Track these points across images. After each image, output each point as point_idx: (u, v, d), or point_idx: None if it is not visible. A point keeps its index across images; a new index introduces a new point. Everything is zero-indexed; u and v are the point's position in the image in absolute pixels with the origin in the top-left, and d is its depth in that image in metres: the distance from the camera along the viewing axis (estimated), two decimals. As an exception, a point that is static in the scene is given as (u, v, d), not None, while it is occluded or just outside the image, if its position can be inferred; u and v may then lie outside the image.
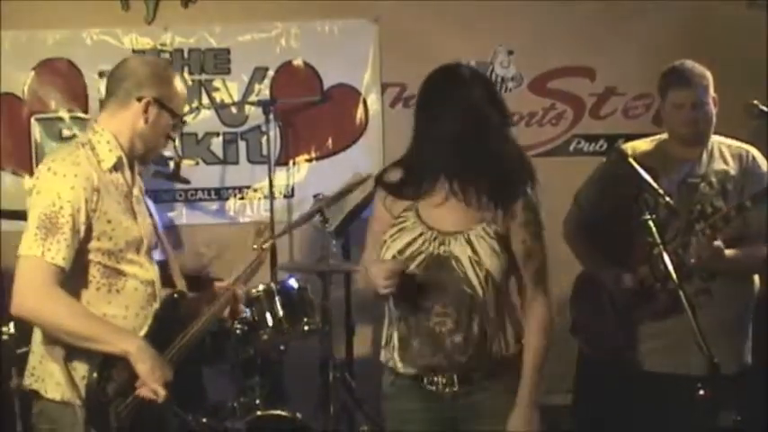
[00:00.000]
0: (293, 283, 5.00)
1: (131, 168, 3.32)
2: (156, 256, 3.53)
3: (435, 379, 3.15)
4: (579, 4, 6.16)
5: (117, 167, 3.23)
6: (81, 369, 3.09)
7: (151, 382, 3.05)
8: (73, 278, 3.09)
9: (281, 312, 4.78)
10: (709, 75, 4.07)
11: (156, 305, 3.29)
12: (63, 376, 3.08)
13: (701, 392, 3.11)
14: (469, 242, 3.08)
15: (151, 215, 3.46)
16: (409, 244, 3.11)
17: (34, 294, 3.02)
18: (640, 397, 4.02)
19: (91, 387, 3.04)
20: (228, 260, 5.79)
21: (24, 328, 4.54)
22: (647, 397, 4.00)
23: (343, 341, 5.75)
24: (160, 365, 3.09)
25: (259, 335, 4.79)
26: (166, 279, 3.46)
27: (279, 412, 4.82)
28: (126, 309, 3.19)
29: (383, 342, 3.26)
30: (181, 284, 3.44)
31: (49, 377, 3.13)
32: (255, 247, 3.91)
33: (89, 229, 3.09)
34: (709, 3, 6.14)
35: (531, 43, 6.20)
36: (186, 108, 3.38)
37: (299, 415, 4.85)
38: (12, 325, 4.54)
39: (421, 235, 3.11)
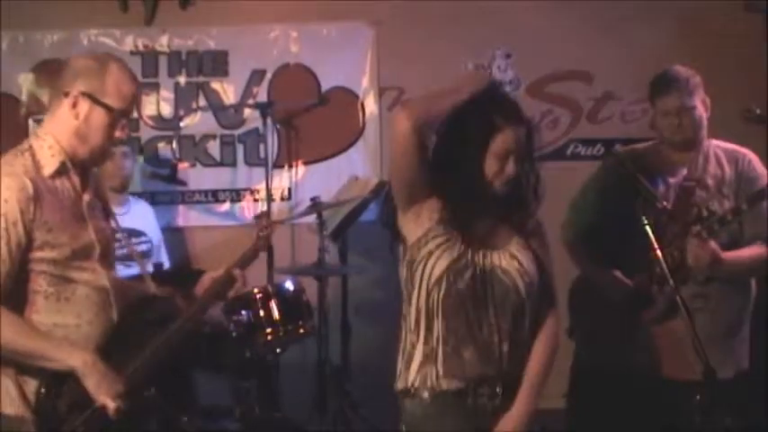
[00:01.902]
0: (290, 285, 5.00)
1: (82, 172, 3.16)
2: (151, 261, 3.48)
3: (481, 390, 3.12)
4: (577, 7, 6.17)
5: (61, 172, 3.08)
6: (32, 383, 3.00)
7: (99, 396, 2.97)
8: (20, 290, 2.99)
9: (277, 315, 4.77)
10: (696, 78, 4.06)
11: (113, 313, 3.15)
12: (16, 391, 2.99)
13: (698, 398, 3.11)
14: (513, 255, 3.13)
15: (108, 219, 3.30)
16: (456, 259, 3.08)
17: None
18: (635, 402, 4.02)
19: (41, 403, 2.97)
20: (224, 262, 5.80)
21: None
22: (643, 402, 4.00)
23: (339, 344, 5.75)
24: (108, 379, 2.99)
25: (255, 337, 4.78)
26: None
27: (275, 415, 4.82)
28: (78, 317, 3.07)
29: (416, 363, 3.12)
30: (152, 287, 3.34)
31: (4, 392, 3.01)
32: (253, 235, 3.79)
33: (31, 239, 2.96)
34: (706, 6, 6.15)
35: (529, 47, 6.17)
36: (127, 104, 3.12)
37: (295, 418, 4.85)
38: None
39: (467, 249, 3.10)
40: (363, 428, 5.45)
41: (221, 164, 6.26)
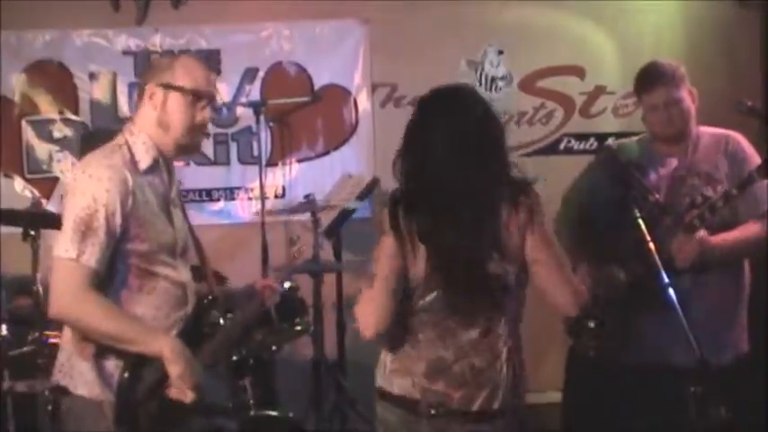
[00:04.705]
0: (285, 283, 5.00)
1: (169, 170, 3.33)
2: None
3: None
4: (569, 3, 6.18)
5: (153, 169, 3.24)
6: (109, 367, 3.11)
7: (182, 384, 3.09)
8: (107, 279, 3.12)
9: (272, 313, 4.78)
10: (680, 70, 4.07)
11: (188, 308, 3.30)
12: (92, 374, 3.11)
13: (693, 389, 3.13)
14: None
15: (187, 219, 3.47)
16: None
17: (69, 297, 3.06)
18: (631, 394, 4.03)
19: (122, 387, 3.07)
20: (219, 261, 5.80)
21: (18, 330, 4.57)
22: (638, 393, 4.01)
23: (334, 341, 5.75)
24: (192, 368, 3.12)
25: (251, 335, 4.78)
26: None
27: (271, 412, 4.82)
28: (157, 309, 3.20)
29: None
30: (214, 287, 3.48)
31: (78, 374, 3.14)
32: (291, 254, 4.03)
33: (124, 231, 3.10)
34: (698, 2, 6.17)
35: (520, 42, 6.22)
36: (199, 84, 3.26)
37: (291, 415, 4.85)
38: (4, 327, 4.54)
39: None
40: (360, 425, 5.46)
41: (215, 163, 6.26)
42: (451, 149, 3.04)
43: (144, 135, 3.24)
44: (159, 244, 3.20)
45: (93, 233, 3.04)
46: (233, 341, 3.51)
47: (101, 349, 3.10)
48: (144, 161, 3.21)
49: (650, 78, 4.07)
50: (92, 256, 3.04)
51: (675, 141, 4.08)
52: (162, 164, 3.28)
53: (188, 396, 3.10)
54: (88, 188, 3.08)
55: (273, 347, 5.00)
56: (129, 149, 3.21)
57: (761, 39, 6.06)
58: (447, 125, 3.06)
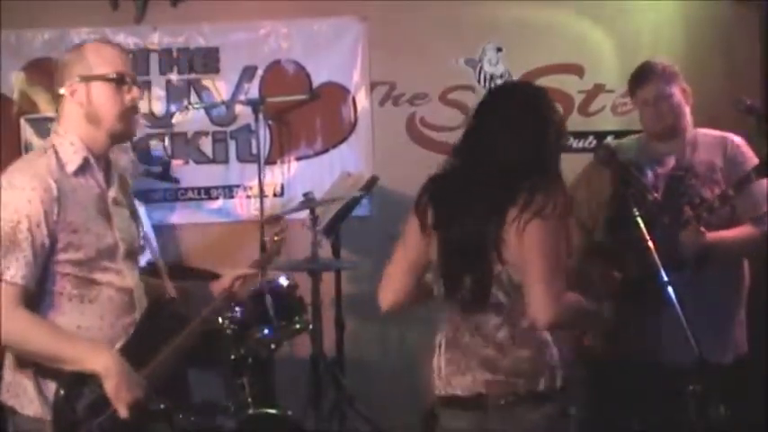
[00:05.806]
0: (283, 281, 5.01)
1: (106, 168, 3.16)
2: (144, 258, 3.47)
3: None
4: (568, 1, 6.17)
5: (84, 169, 3.07)
6: (52, 384, 2.97)
7: (116, 401, 2.94)
8: (43, 291, 2.97)
9: (271, 311, 4.78)
10: (673, 67, 4.10)
11: (136, 314, 3.13)
12: (35, 393, 2.98)
13: (691, 388, 3.14)
14: None
15: (136, 218, 3.30)
16: None
17: None
18: (631, 392, 4.03)
19: (58, 405, 2.94)
20: (218, 259, 5.80)
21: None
22: (638, 392, 4.01)
23: (333, 339, 5.75)
24: (128, 383, 2.96)
25: (249, 334, 4.79)
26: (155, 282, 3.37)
27: (270, 411, 4.82)
28: (101, 319, 3.04)
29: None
30: (170, 288, 3.30)
31: (23, 393, 3.01)
32: (267, 239, 3.85)
33: (55, 241, 2.94)
34: (697, 1, 6.17)
35: (519, 40, 6.21)
36: (117, 65, 3.11)
37: (290, 413, 4.86)
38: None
39: None
40: (359, 423, 5.46)
41: (214, 161, 6.25)
42: (476, 145, 3.11)
43: (71, 135, 3.09)
44: (98, 250, 3.02)
45: (17, 247, 2.88)
46: (187, 347, 3.23)
47: (41, 368, 2.96)
48: (72, 162, 3.05)
49: (641, 75, 4.12)
50: (17, 271, 2.88)
51: (668, 137, 4.10)
52: (95, 163, 3.10)
53: (122, 413, 2.93)
54: (10, 200, 2.91)
55: (272, 346, 5.01)
56: (56, 152, 3.05)
57: (759, 38, 6.06)
58: (487, 120, 3.14)
